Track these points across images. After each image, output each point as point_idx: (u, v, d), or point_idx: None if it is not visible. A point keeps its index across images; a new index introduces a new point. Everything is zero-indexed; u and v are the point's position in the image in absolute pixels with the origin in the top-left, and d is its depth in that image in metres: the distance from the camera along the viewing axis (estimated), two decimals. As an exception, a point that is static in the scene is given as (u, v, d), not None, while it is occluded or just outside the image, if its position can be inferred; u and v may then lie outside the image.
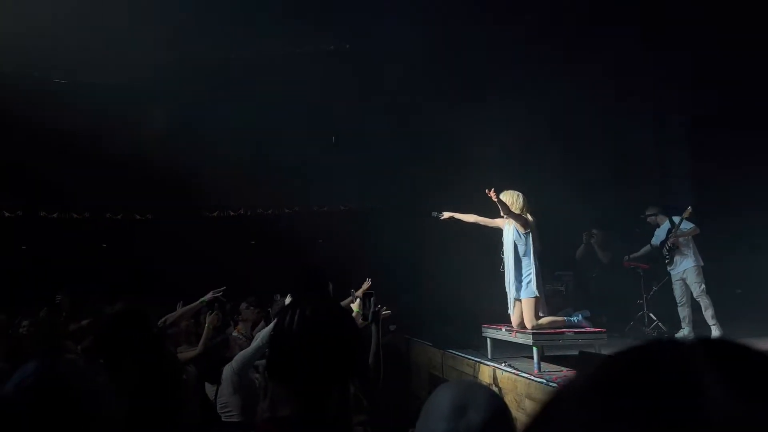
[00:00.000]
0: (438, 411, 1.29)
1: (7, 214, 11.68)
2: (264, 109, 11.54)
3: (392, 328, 8.35)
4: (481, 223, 6.32)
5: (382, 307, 3.45)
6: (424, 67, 9.95)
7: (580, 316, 5.86)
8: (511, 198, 5.85)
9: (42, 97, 10.63)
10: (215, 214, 12.59)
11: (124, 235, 11.98)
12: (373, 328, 3.37)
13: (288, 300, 3.93)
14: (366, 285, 4.73)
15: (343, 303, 4.19)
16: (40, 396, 1.53)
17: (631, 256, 8.30)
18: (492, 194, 5.66)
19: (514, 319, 5.93)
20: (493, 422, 1.26)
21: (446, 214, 6.34)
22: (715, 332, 7.60)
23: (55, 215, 11.89)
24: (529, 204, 5.97)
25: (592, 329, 5.76)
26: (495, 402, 1.32)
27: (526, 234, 5.83)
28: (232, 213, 12.58)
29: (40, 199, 11.75)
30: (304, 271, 3.80)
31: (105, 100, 10.90)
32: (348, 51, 11.77)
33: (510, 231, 5.97)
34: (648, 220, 7.99)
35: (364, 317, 3.45)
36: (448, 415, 1.26)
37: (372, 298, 3.45)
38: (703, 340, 0.45)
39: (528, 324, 5.68)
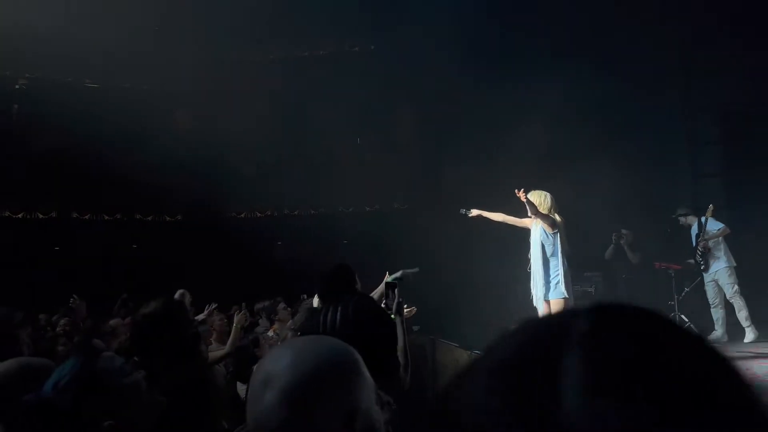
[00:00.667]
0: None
1: (41, 216, 11.97)
2: (289, 110, 11.64)
3: (416, 328, 8.33)
4: (509, 222, 6.27)
5: (403, 303, 3.41)
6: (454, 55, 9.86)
7: None
8: (539, 198, 5.81)
9: (75, 101, 10.88)
10: (243, 215, 12.71)
11: (155, 236, 12.17)
12: (398, 320, 3.32)
13: (316, 300, 3.92)
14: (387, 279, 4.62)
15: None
16: (79, 395, 1.56)
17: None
18: (521, 194, 5.62)
19: None
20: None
21: (474, 212, 6.30)
22: (750, 334, 7.45)
23: (87, 217, 12.13)
24: (556, 204, 5.92)
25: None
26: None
27: (554, 234, 5.78)
28: (259, 214, 12.70)
29: (73, 201, 12.01)
30: (332, 270, 3.76)
31: (136, 104, 11.11)
32: (372, 51, 11.81)
33: (537, 231, 5.92)
34: (680, 221, 7.86)
35: (387, 308, 3.40)
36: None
37: (396, 289, 3.38)
38: (592, 309, 0.42)
39: (556, 326, 5.61)
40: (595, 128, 9.00)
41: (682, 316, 7.90)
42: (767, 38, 8.64)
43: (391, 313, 3.33)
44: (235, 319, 4.72)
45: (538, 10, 9.71)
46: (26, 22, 9.57)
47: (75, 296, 6.48)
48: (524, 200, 5.64)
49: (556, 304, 5.71)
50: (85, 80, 11.82)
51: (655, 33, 9.37)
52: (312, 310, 3.91)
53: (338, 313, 1.47)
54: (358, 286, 3.72)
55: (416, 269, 4.07)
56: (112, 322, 6.30)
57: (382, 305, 3.44)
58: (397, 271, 4.41)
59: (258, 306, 7.94)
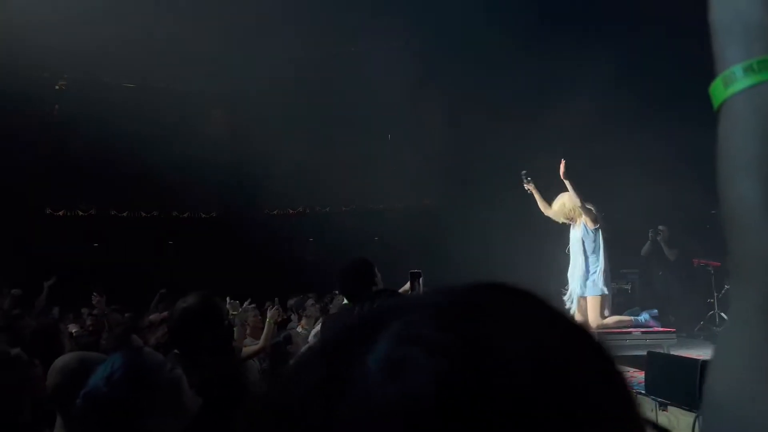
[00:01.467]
0: None
1: (81, 214, 12.29)
2: (321, 108, 11.70)
3: None
4: (541, 208, 6.12)
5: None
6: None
7: (647, 315, 5.67)
8: (582, 194, 5.74)
9: (112, 101, 11.13)
10: (275, 212, 12.85)
11: (190, 233, 12.40)
12: None
13: (341, 298, 3.89)
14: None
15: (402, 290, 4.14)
16: (130, 388, 1.61)
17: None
18: (563, 167, 5.54)
19: (578, 318, 5.80)
20: None
21: (531, 186, 6.09)
22: None
23: (125, 214, 12.42)
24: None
25: (661, 329, 5.57)
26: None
27: (595, 230, 5.69)
28: (291, 211, 12.81)
29: (111, 199, 12.30)
30: (350, 265, 3.69)
31: (171, 104, 11.32)
32: (402, 47, 11.78)
33: (578, 227, 5.84)
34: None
35: None
36: None
37: (420, 279, 3.35)
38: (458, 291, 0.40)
39: (593, 323, 5.54)
40: (635, 121, 8.82)
41: (722, 314, 7.70)
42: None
43: None
44: (268, 314, 4.76)
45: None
46: (64, 24, 9.82)
47: (95, 293, 6.60)
48: (563, 175, 5.56)
49: (593, 301, 5.63)
50: (122, 80, 12.08)
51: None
52: (343, 309, 3.92)
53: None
54: (378, 278, 3.64)
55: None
56: (151, 317, 6.44)
57: None
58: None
59: (290, 302, 8.02)
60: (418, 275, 3.30)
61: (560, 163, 5.54)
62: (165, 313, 6.13)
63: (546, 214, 6.03)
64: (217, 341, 2.81)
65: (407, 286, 4.09)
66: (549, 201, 5.99)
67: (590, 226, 5.71)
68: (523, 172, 6.05)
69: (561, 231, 6.18)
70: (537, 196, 6.07)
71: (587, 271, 5.72)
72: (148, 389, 1.62)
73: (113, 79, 11.91)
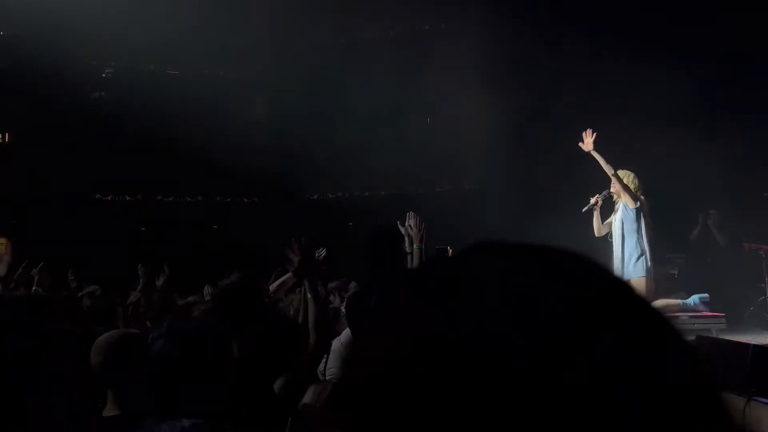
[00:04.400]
0: None
1: (128, 198, 12.65)
2: (359, 93, 11.70)
3: None
4: (595, 227, 6.02)
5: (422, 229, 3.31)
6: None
7: (697, 299, 5.53)
8: (627, 177, 5.62)
9: (157, 88, 11.36)
10: (315, 197, 12.97)
11: (233, 218, 12.63)
12: (416, 250, 3.21)
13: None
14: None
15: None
16: (185, 346, 1.69)
17: None
18: (591, 138, 5.50)
19: None
20: None
21: (598, 207, 5.98)
22: None
23: (170, 199, 12.72)
24: (642, 185, 5.71)
25: (710, 313, 5.43)
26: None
27: (636, 210, 5.57)
28: (330, 196, 12.91)
29: (157, 184, 12.61)
30: (374, 239, 3.56)
31: (215, 90, 11.49)
32: (443, 30, 11.68)
33: (619, 209, 5.74)
34: None
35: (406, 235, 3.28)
36: None
37: (417, 220, 3.30)
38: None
39: (638, 306, 5.43)
40: (688, 101, 8.54)
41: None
42: None
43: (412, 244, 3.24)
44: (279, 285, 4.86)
45: None
46: (109, 13, 10.05)
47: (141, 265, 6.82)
48: (589, 143, 5.51)
49: (636, 283, 5.53)
50: (167, 68, 12.32)
51: None
52: (358, 292, 3.91)
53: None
54: (404, 248, 3.48)
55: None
56: (190, 298, 6.59)
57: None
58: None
59: (331, 285, 8.10)
60: (444, 251, 3.26)
61: (586, 135, 5.45)
62: (195, 297, 6.28)
63: (597, 234, 5.94)
64: (258, 313, 2.91)
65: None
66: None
67: (630, 205, 5.59)
68: (605, 192, 5.87)
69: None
70: (596, 216, 5.96)
71: (629, 252, 5.62)
72: (198, 350, 1.70)
73: (158, 67, 12.15)
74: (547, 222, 8.74)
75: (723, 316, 5.31)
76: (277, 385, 2.43)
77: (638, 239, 5.59)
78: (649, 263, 5.60)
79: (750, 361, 3.66)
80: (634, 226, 5.59)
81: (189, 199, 12.77)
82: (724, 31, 8.86)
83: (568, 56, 9.61)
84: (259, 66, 11.71)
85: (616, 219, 5.77)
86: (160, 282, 6.66)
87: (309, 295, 3.27)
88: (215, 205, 12.89)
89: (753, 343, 4.13)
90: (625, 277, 5.54)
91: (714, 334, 5.05)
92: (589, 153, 5.63)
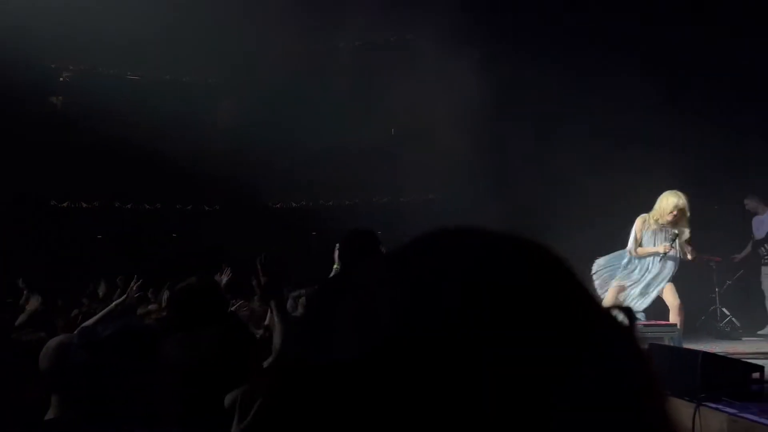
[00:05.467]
0: None
1: (85, 205, 12.34)
2: (325, 102, 11.70)
3: None
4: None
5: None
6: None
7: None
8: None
9: (117, 93, 11.15)
10: (279, 205, 12.88)
11: (193, 226, 12.43)
12: None
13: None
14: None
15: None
16: (118, 335, 1.68)
17: (736, 258, 8.02)
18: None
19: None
20: None
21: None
22: None
23: (129, 206, 12.46)
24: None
25: (663, 322, 5.60)
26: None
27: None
28: (294, 204, 12.84)
29: (115, 191, 12.34)
30: (354, 235, 3.55)
31: (173, 96, 11.32)
32: (409, 42, 11.78)
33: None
34: (747, 207, 7.73)
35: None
36: None
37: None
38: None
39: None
40: (637, 113, 8.80)
41: (724, 309, 7.71)
42: None
43: None
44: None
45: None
46: (69, 15, 9.83)
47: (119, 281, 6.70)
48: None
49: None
50: (127, 72, 12.10)
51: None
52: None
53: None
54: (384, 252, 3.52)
55: None
56: (150, 306, 6.47)
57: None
58: None
59: (294, 294, 8.05)
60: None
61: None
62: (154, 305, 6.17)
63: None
64: (212, 311, 2.83)
65: None
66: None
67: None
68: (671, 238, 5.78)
69: (564, 233, 6.19)
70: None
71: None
72: (134, 338, 1.70)
73: (118, 71, 11.93)
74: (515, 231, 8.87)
75: (676, 325, 5.48)
76: (228, 399, 2.36)
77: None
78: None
79: (700, 368, 3.77)
80: None
81: (148, 207, 12.53)
82: (671, 43, 9.18)
83: (533, 66, 9.81)
84: (222, 71, 11.60)
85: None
86: (102, 290, 6.52)
87: (276, 319, 3.26)
88: (175, 213, 12.67)
89: (703, 350, 4.27)
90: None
91: (666, 342, 5.20)
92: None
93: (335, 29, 11.62)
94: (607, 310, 0.42)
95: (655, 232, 5.71)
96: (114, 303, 4.65)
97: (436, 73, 10.79)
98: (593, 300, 0.41)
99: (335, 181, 12.26)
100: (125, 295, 4.47)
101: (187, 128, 11.45)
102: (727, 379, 3.80)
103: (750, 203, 7.89)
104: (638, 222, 5.79)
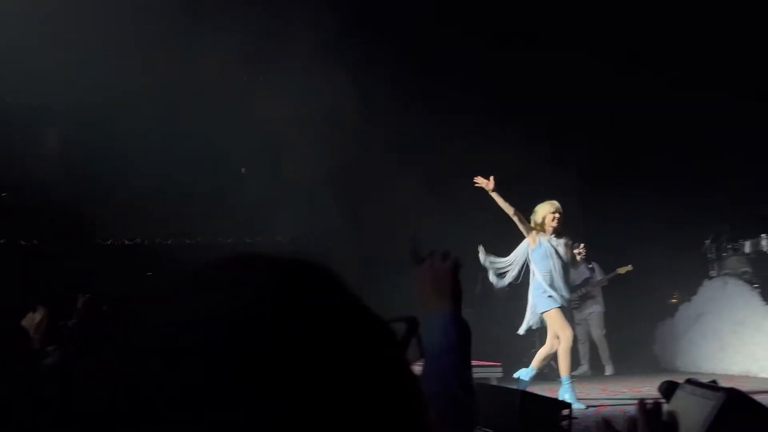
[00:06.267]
0: None
1: None
2: (172, 137, 11.19)
3: None
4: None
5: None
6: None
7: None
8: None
9: None
10: (109, 242, 11.91)
11: (8, 261, 11.06)
12: None
13: None
14: None
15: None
16: None
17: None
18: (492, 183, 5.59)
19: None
20: None
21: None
22: (609, 371, 8.06)
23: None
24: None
25: (488, 363, 5.81)
26: None
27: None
28: (127, 242, 11.95)
29: None
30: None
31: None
32: (263, 82, 11.71)
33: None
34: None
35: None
36: None
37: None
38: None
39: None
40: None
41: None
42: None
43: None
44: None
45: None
46: None
47: None
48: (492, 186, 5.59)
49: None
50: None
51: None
52: None
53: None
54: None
55: None
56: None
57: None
58: None
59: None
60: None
61: (488, 179, 5.51)
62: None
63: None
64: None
65: None
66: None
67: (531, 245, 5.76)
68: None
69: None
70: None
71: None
72: None
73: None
74: (370, 273, 8.90)
75: (500, 366, 5.70)
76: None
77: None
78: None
79: (518, 405, 4.02)
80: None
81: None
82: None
83: (383, 109, 10.18)
84: (52, 94, 10.65)
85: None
86: None
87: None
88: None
89: (521, 389, 4.48)
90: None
91: (492, 382, 5.38)
92: (489, 193, 5.61)
93: (189, 64, 11.26)
94: (377, 318, 0.49)
95: (547, 249, 5.66)
96: None
97: (289, 111, 10.79)
98: (364, 311, 0.49)
99: (175, 219, 11.63)
100: None
101: (10, 155, 10.36)
102: (541, 416, 4.05)
103: None
104: (527, 241, 5.76)
